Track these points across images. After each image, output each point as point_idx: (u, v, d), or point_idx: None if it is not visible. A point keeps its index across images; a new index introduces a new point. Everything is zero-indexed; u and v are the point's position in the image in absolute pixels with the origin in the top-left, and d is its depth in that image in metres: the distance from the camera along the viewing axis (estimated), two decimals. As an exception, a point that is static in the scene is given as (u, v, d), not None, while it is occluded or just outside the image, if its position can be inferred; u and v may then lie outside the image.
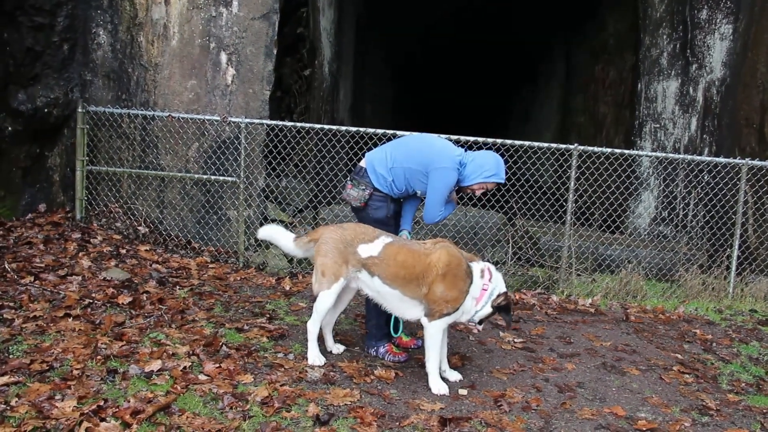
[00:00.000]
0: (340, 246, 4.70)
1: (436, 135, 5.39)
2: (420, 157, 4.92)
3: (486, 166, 4.87)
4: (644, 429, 4.28)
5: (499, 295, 4.60)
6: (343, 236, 4.73)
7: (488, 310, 4.59)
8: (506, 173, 4.97)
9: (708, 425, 4.46)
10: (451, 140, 7.33)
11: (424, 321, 4.60)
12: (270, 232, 5.06)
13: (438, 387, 4.61)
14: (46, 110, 7.39)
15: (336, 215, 8.01)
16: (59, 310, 5.20)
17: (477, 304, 4.59)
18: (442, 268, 4.50)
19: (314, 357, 4.84)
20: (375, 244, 4.68)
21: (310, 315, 5.92)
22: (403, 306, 4.66)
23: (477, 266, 4.64)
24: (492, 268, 4.69)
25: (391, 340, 5.20)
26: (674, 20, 9.67)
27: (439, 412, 4.25)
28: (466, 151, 5.07)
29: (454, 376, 4.86)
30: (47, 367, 4.24)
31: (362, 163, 5.10)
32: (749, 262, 7.88)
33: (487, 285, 4.59)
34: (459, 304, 4.54)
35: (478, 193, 5.02)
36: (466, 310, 4.61)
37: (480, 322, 4.71)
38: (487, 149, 7.44)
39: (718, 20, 9.01)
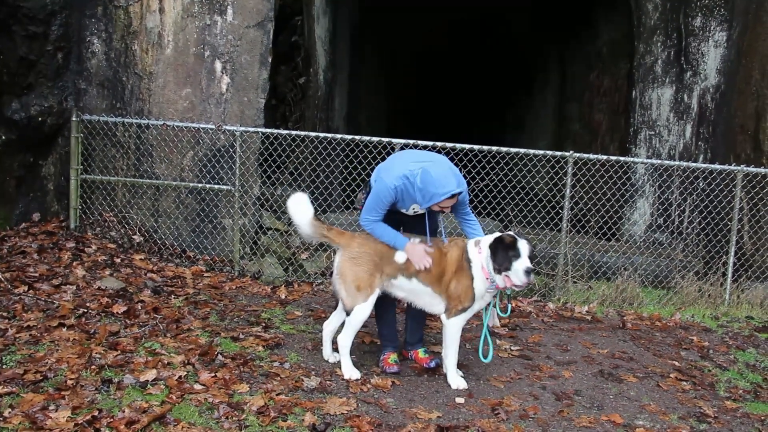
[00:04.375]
0: (375, 258, 4.75)
1: (426, 152, 5.04)
2: (382, 171, 4.87)
3: (425, 189, 4.56)
4: (642, 437, 4.27)
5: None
6: (377, 248, 4.78)
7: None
8: (458, 178, 4.65)
9: (706, 432, 4.45)
10: (446, 148, 7.35)
11: (443, 318, 4.81)
12: (298, 201, 4.84)
13: (457, 382, 4.81)
14: (40, 119, 7.36)
15: (332, 223, 7.97)
16: (53, 320, 5.16)
17: (487, 279, 4.69)
18: (453, 264, 4.74)
19: (350, 371, 4.82)
20: None
21: (306, 323, 5.93)
22: (434, 301, 4.83)
23: (471, 243, 4.80)
24: (487, 238, 4.76)
25: (395, 349, 5.16)
26: (668, 28, 9.70)
27: (437, 421, 4.23)
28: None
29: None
30: (41, 377, 4.21)
31: None
32: (745, 269, 7.88)
33: (481, 250, 4.71)
34: (470, 295, 4.70)
35: (446, 211, 4.82)
36: (479, 295, 4.74)
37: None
38: (482, 156, 7.50)
39: (712, 28, 9.04)
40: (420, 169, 4.59)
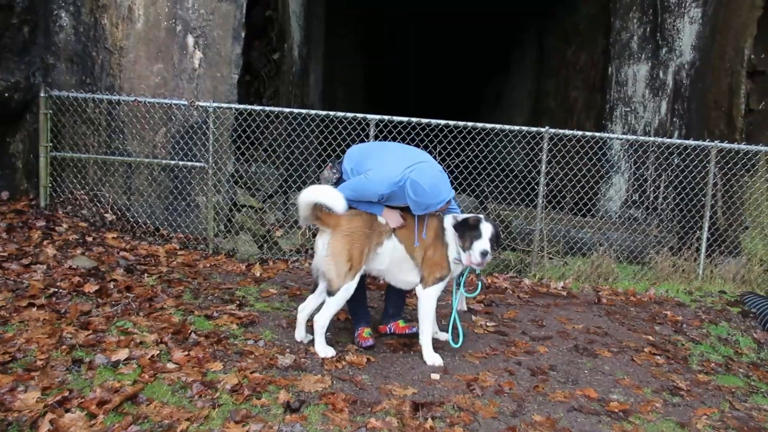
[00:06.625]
0: (366, 230, 4.74)
1: (409, 149, 4.96)
2: (366, 164, 4.79)
3: (420, 202, 4.63)
4: (616, 410, 4.30)
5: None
6: (364, 219, 4.76)
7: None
8: (444, 186, 4.73)
9: (679, 405, 4.50)
10: (421, 124, 7.30)
11: (419, 290, 4.84)
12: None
13: (432, 359, 4.83)
14: (6, 95, 7.18)
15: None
16: (23, 300, 5.06)
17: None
18: (431, 230, 4.83)
19: (324, 350, 4.78)
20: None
21: (281, 301, 5.88)
22: (410, 269, 4.86)
23: (449, 216, 4.90)
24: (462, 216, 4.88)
25: (368, 324, 5.14)
26: (644, 4, 9.69)
27: (412, 397, 4.22)
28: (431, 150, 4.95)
29: (444, 336, 5.19)
30: (10, 358, 4.12)
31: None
32: (718, 244, 7.96)
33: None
34: (446, 263, 4.81)
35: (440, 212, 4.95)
36: (455, 265, 4.86)
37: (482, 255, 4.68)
38: (458, 132, 7.47)
39: (687, 4, 9.05)
40: (409, 178, 4.59)
